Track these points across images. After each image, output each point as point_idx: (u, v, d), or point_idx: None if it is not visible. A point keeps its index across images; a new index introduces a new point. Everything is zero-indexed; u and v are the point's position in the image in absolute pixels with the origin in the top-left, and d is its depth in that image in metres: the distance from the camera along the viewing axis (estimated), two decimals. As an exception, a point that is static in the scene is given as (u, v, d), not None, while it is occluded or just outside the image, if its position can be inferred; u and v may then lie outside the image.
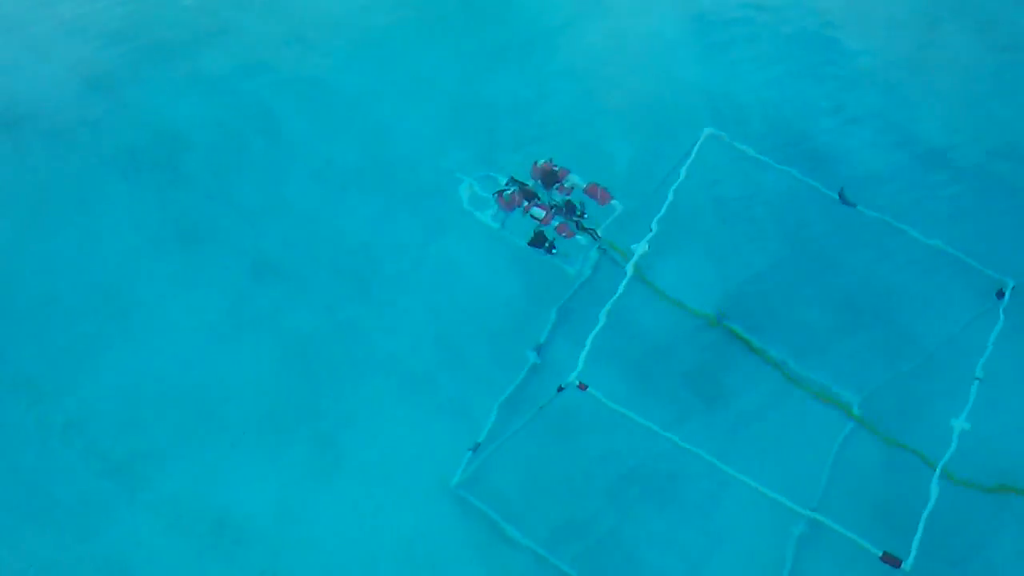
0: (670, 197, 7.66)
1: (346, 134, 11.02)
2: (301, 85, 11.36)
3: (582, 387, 6.98)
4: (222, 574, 8.19)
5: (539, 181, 9.80)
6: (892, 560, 6.22)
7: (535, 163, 9.77)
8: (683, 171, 7.92)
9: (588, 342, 7.09)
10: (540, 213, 9.69)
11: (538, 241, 9.61)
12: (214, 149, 10.70)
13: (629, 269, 7.35)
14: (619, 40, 12.24)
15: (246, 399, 9.09)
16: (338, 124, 11.09)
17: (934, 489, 6.36)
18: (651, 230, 7.63)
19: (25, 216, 9.98)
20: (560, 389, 7.12)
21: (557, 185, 9.79)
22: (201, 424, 8.92)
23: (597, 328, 7.17)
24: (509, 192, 9.68)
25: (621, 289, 7.33)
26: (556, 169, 9.73)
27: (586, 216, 9.65)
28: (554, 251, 9.57)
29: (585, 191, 9.69)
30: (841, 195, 8.10)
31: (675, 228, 10.24)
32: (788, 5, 12.74)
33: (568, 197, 9.73)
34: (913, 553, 6.17)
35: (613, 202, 9.50)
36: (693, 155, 8.03)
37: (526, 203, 9.72)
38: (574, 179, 9.70)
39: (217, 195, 10.33)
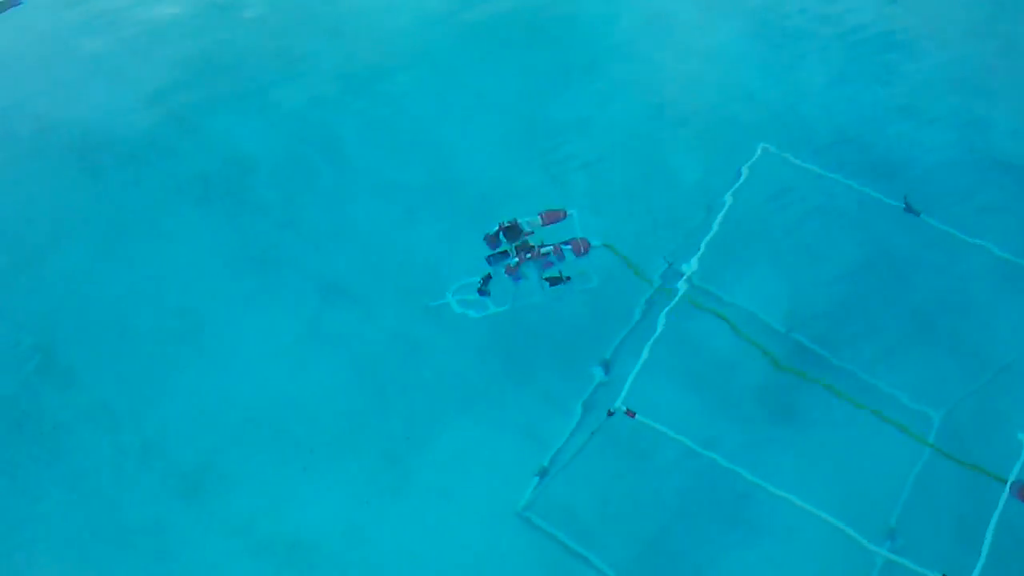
0: (721, 215, 7.60)
1: (411, 157, 11.11)
2: (366, 110, 11.49)
3: (630, 414, 6.89)
4: (294, 595, 8.28)
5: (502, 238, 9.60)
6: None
7: (489, 234, 9.54)
8: (735, 188, 7.85)
9: (635, 369, 7.03)
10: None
11: (555, 280, 9.45)
12: (282, 175, 10.84)
13: (681, 287, 7.30)
14: (682, 56, 12.22)
15: (317, 420, 9.17)
16: (403, 147, 11.19)
17: (999, 508, 6.22)
18: (699, 249, 7.55)
19: (100, 242, 10.19)
20: (610, 414, 7.07)
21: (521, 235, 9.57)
22: (274, 445, 9.01)
23: (641, 360, 7.12)
24: (512, 261, 9.44)
25: (664, 316, 7.28)
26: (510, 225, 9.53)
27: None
28: (569, 279, 9.38)
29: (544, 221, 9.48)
30: (906, 204, 7.98)
31: (737, 244, 10.20)
32: (854, 14, 12.63)
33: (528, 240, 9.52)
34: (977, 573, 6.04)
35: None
36: (746, 172, 7.96)
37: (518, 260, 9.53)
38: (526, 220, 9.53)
39: (286, 220, 10.47)
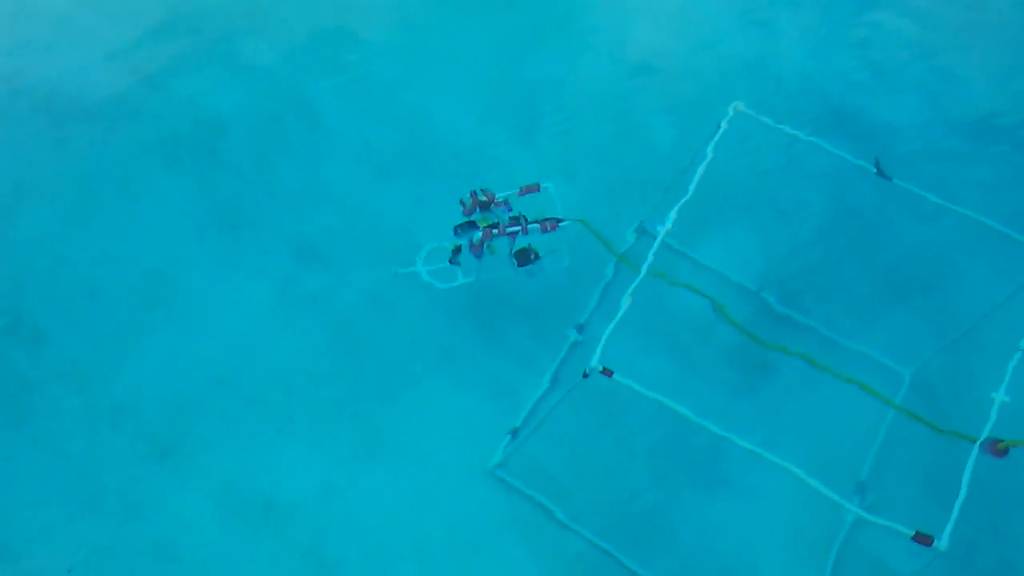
0: (696, 176, 7.57)
1: (384, 118, 11.03)
2: (338, 69, 11.37)
3: (606, 373, 6.87)
4: (269, 555, 8.25)
5: (478, 211, 9.38)
6: (924, 539, 6.14)
7: (464, 201, 9.29)
8: (710, 148, 7.82)
9: (609, 328, 6.99)
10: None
11: (524, 259, 9.20)
12: (253, 135, 10.73)
13: (653, 248, 7.27)
14: (656, 14, 12.18)
15: (291, 383, 9.15)
16: (376, 108, 11.10)
17: (969, 466, 6.28)
18: (672, 213, 7.52)
19: (68, 204, 10.07)
20: (585, 375, 7.06)
21: (493, 206, 9.35)
22: (248, 408, 8.99)
23: (620, 314, 7.07)
24: (476, 236, 9.18)
25: (643, 273, 7.24)
26: (486, 198, 9.31)
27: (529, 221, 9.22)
28: (539, 258, 9.23)
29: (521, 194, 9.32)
30: (877, 166, 7.99)
31: (711, 204, 10.23)
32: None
33: (511, 213, 9.30)
34: (948, 531, 6.08)
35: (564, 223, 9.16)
36: (721, 131, 7.94)
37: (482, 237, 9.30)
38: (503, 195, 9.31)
39: (258, 181, 10.37)
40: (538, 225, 9.01)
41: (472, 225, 9.13)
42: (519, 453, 8.80)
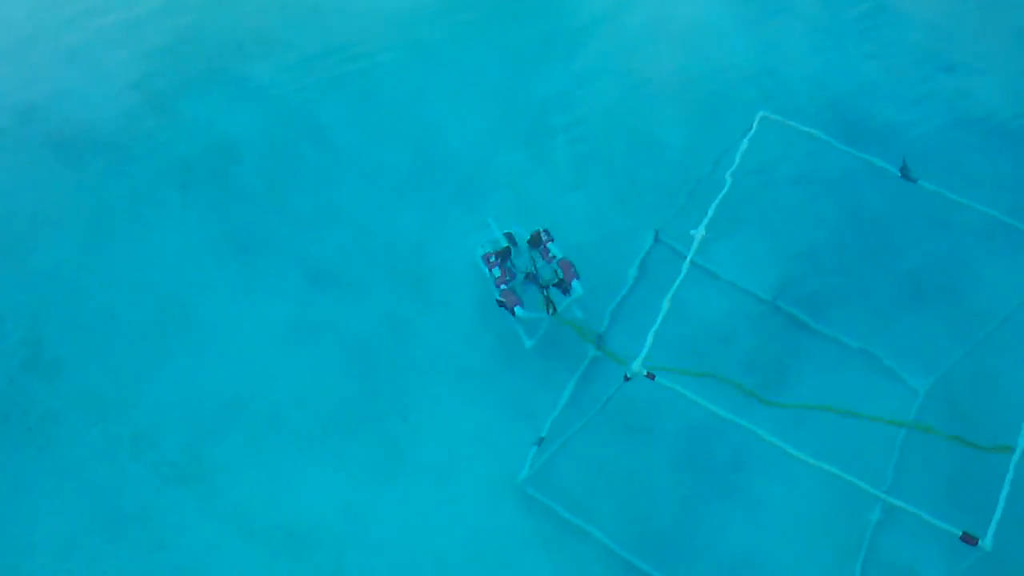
0: (729, 181, 7.54)
1: (395, 137, 11.06)
2: (348, 92, 11.42)
3: (650, 376, 6.87)
4: (292, 576, 8.28)
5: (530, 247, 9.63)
6: (970, 539, 6.09)
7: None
8: (739, 155, 7.80)
9: (652, 330, 6.97)
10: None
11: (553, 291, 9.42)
12: (265, 159, 10.78)
13: (688, 255, 7.25)
14: (663, 27, 12.19)
15: (309, 404, 9.15)
16: (387, 128, 11.13)
17: (1009, 475, 6.21)
18: (707, 214, 7.47)
19: (84, 233, 10.13)
20: (627, 379, 7.04)
21: (540, 250, 9.59)
22: (267, 431, 8.99)
23: (661, 315, 7.05)
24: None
25: (683, 273, 7.22)
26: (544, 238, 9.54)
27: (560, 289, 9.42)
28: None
29: (560, 263, 9.48)
30: (902, 169, 7.95)
31: (732, 212, 10.17)
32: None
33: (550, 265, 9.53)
34: (992, 530, 6.03)
35: (574, 283, 9.27)
36: (747, 140, 7.91)
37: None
38: (554, 250, 9.50)
39: (271, 204, 10.41)
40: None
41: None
42: (544, 469, 8.77)
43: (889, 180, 8.11)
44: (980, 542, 6.09)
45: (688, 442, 8.91)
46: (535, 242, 9.63)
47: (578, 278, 9.28)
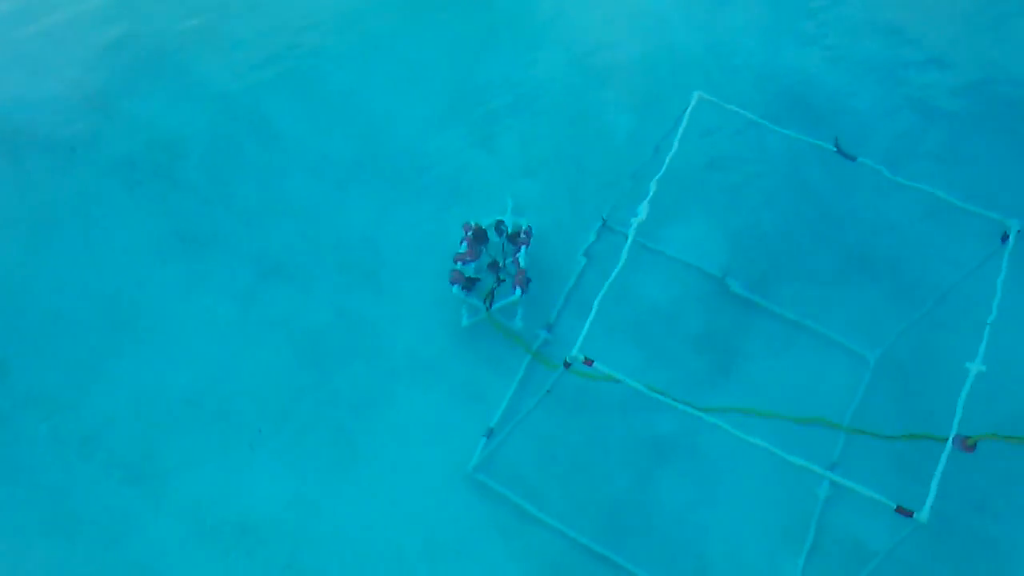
0: (666, 163, 7.57)
1: (341, 128, 11.01)
2: (292, 83, 11.34)
3: (588, 362, 6.88)
4: (247, 573, 8.23)
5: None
6: (905, 512, 6.20)
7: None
8: (677, 138, 7.84)
9: (590, 317, 6.98)
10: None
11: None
12: (210, 154, 10.69)
13: (629, 237, 7.26)
14: (607, 11, 12.21)
15: (261, 399, 9.12)
16: (332, 119, 11.08)
17: (941, 463, 6.30)
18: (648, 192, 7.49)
19: (28, 232, 10.01)
20: (567, 365, 7.05)
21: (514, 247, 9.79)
22: (218, 427, 8.95)
23: (598, 299, 7.05)
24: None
25: (624, 257, 7.23)
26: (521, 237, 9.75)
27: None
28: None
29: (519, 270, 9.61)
30: (837, 146, 8.02)
31: (678, 195, 10.28)
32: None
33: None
34: (929, 503, 6.13)
35: (518, 289, 9.41)
36: (685, 120, 7.95)
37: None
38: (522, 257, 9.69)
39: (217, 199, 10.34)
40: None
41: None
42: (496, 455, 8.81)
43: (831, 159, 8.17)
44: (916, 515, 6.18)
45: (638, 422, 8.99)
46: (513, 238, 9.72)
47: (523, 287, 9.37)
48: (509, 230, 9.83)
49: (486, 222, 9.89)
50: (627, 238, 7.33)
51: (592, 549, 8.36)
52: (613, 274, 7.18)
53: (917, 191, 7.87)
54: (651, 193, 7.46)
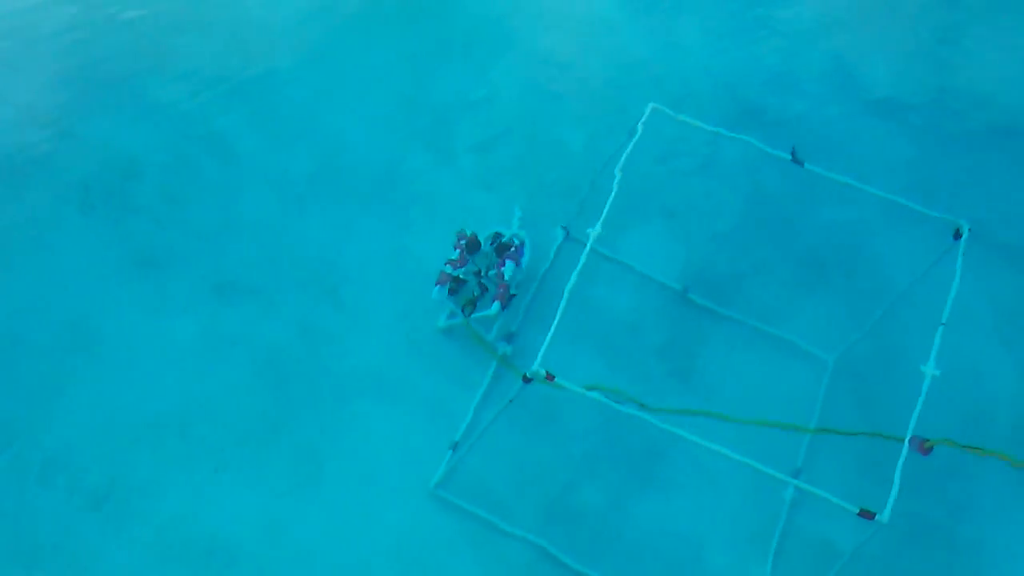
0: (618, 175, 7.64)
1: (299, 145, 10.99)
2: (247, 101, 11.31)
3: (549, 377, 6.87)
4: (215, 597, 8.19)
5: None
6: (868, 514, 6.28)
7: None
8: (629, 148, 7.90)
9: (551, 329, 6.99)
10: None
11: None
12: (166, 174, 10.62)
13: (585, 249, 7.30)
14: (559, 25, 12.29)
15: (224, 419, 9.04)
16: (289, 136, 11.05)
17: (900, 464, 6.39)
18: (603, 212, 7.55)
19: (-17, 259, 9.90)
20: (526, 380, 7.05)
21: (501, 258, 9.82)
22: (181, 450, 8.86)
23: (560, 311, 7.07)
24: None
25: (579, 268, 7.27)
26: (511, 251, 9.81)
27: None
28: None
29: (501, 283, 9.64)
30: (793, 155, 8.13)
31: (637, 204, 10.35)
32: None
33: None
34: (890, 504, 6.21)
35: (495, 304, 9.45)
36: (639, 132, 8.01)
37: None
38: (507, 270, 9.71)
39: (173, 220, 10.26)
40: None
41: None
42: (459, 469, 8.79)
43: (787, 165, 8.28)
44: (877, 516, 6.26)
45: (603, 432, 9.01)
46: (501, 250, 9.74)
47: (503, 301, 9.40)
48: (503, 242, 9.85)
49: (485, 232, 9.94)
50: (594, 251, 7.37)
51: (559, 559, 8.36)
52: (568, 287, 7.21)
53: (870, 195, 7.98)
54: (607, 206, 7.51)
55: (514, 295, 9.56)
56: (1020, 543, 8.44)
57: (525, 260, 9.92)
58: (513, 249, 9.77)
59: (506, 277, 9.57)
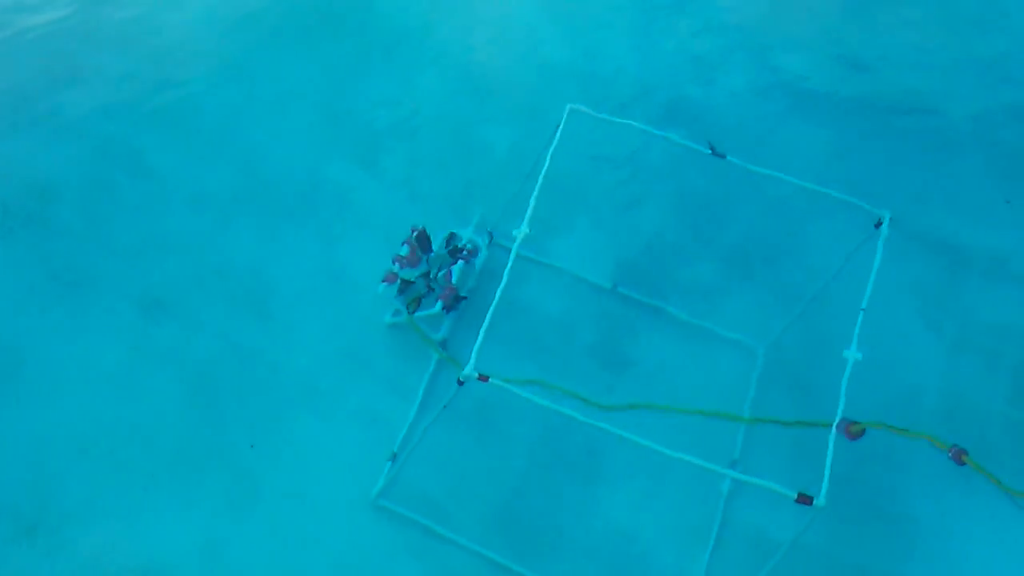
0: (540, 178, 7.66)
1: (220, 160, 10.85)
2: (165, 118, 11.14)
3: (483, 379, 6.86)
4: (153, 624, 8.04)
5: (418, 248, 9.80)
6: (806, 499, 6.35)
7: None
8: (551, 150, 7.93)
9: (480, 334, 6.98)
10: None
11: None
12: (85, 194, 10.42)
13: (512, 253, 7.30)
14: (482, 31, 12.31)
15: (155, 441, 8.87)
16: (210, 152, 10.91)
17: (830, 451, 6.49)
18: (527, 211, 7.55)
19: (-101, 289, 9.62)
20: (460, 383, 7.03)
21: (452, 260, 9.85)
22: (112, 474, 8.68)
23: (489, 314, 7.06)
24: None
25: (508, 269, 7.27)
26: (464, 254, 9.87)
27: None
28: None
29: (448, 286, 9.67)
30: (712, 149, 8.21)
31: (558, 205, 10.40)
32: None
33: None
34: (824, 490, 6.30)
35: (439, 303, 9.51)
36: (560, 132, 8.05)
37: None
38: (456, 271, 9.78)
39: (94, 241, 10.06)
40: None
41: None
42: (399, 478, 8.72)
43: (708, 160, 8.35)
44: (814, 501, 6.33)
45: (541, 434, 9.02)
46: (454, 252, 9.75)
47: (447, 302, 9.43)
48: (458, 244, 9.85)
49: (441, 233, 9.96)
50: (521, 255, 7.37)
51: (503, 564, 8.34)
52: (499, 291, 7.20)
53: (792, 185, 8.08)
54: (530, 209, 7.51)
55: (464, 298, 9.53)
56: (950, 518, 8.60)
57: (479, 263, 9.94)
58: (466, 252, 9.77)
59: (453, 279, 9.56)
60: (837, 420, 6.70)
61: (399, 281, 9.51)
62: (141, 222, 10.27)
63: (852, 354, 7.05)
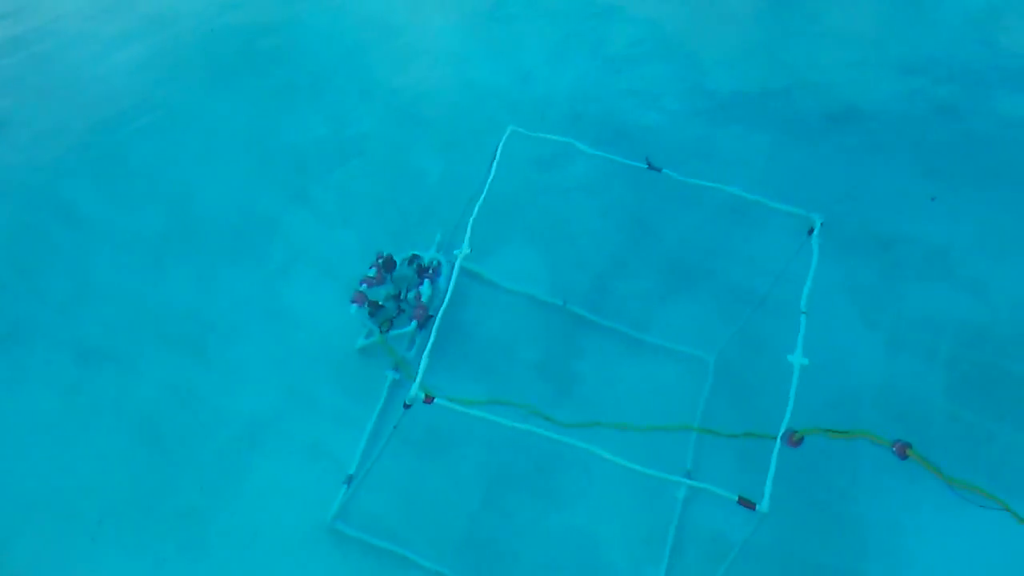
0: (481, 198, 7.69)
1: (150, 203, 10.76)
2: (93, 165, 11.07)
3: (428, 400, 6.83)
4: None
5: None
6: (748, 504, 6.40)
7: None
8: (492, 171, 7.96)
9: (425, 355, 6.96)
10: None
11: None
12: (12, 245, 10.31)
13: (454, 274, 7.31)
14: (407, 57, 12.36)
15: (99, 490, 8.68)
16: (139, 195, 10.83)
17: (774, 459, 6.54)
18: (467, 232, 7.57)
19: None
20: (407, 406, 6.99)
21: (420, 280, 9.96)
22: (57, 526, 8.48)
23: (432, 337, 7.04)
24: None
25: (450, 289, 7.27)
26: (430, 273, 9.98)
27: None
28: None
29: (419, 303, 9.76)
30: (648, 163, 8.29)
31: (497, 226, 10.41)
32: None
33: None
34: (767, 494, 6.34)
35: (413, 322, 9.60)
36: (499, 154, 8.09)
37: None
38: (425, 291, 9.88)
39: (25, 291, 9.92)
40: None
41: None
42: (354, 506, 8.62)
43: (643, 175, 8.41)
44: (757, 507, 6.38)
45: (493, 452, 8.97)
46: (419, 272, 9.85)
47: (420, 320, 9.51)
48: (422, 264, 9.92)
49: (402, 255, 10.02)
50: (469, 279, 7.39)
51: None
52: (440, 311, 7.19)
53: (727, 195, 8.17)
54: (468, 231, 7.52)
55: (432, 316, 9.50)
56: (898, 514, 8.68)
57: (442, 283, 9.95)
58: (431, 271, 9.83)
59: (423, 299, 9.60)
60: (782, 431, 6.75)
61: (367, 303, 9.53)
62: (74, 271, 10.14)
63: (798, 359, 7.10)
